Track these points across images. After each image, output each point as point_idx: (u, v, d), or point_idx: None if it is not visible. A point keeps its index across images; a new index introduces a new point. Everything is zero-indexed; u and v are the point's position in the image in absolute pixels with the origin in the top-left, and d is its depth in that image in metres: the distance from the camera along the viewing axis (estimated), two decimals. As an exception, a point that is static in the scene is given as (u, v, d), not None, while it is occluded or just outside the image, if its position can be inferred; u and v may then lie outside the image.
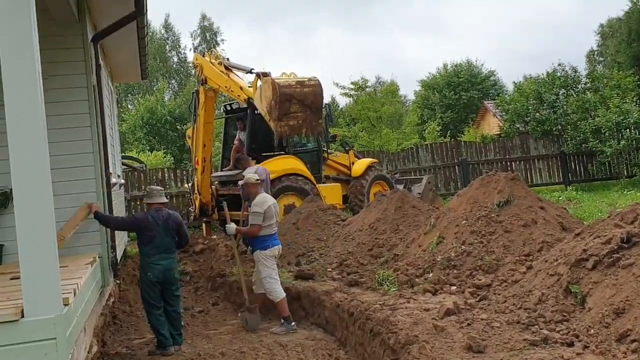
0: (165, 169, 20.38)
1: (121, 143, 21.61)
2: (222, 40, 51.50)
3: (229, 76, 13.17)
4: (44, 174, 4.15)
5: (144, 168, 19.61)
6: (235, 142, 14.28)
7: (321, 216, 11.26)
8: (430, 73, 45.22)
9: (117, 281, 8.66)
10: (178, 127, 32.41)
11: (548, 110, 22.60)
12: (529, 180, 20.75)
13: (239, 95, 13.13)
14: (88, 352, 5.48)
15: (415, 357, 5.03)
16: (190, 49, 51.04)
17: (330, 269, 8.95)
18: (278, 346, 7.16)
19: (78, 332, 4.82)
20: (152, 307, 7.26)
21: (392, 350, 5.54)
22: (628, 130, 20.32)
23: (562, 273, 5.61)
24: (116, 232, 8.00)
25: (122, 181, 13.09)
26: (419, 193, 14.75)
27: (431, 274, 7.41)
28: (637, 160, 20.50)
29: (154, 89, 41.17)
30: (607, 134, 20.27)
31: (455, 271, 7.31)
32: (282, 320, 7.91)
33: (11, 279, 5.57)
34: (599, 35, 48.85)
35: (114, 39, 8.45)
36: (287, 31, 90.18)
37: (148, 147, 31.48)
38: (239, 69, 13.42)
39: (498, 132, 26.62)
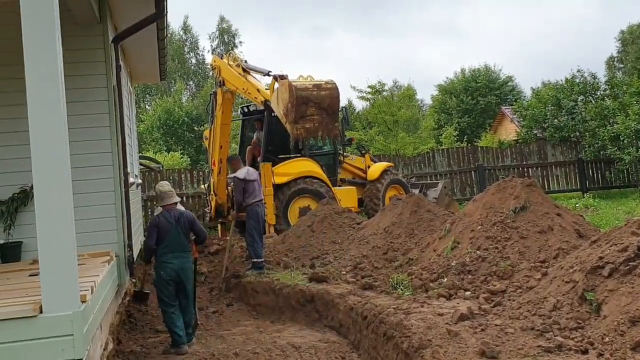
0: (182, 170, 20.50)
1: (139, 143, 21.77)
2: (240, 42, 51.75)
3: (246, 78, 13.24)
4: (64, 172, 4.22)
5: (161, 168, 19.75)
6: (253, 141, 14.35)
7: (336, 219, 11.28)
8: (447, 77, 45.19)
9: (133, 280, 8.74)
10: (195, 128, 32.63)
11: (566, 117, 22.44)
12: (546, 187, 20.62)
13: (256, 98, 13.19)
14: (104, 350, 5.53)
15: (428, 361, 5.03)
16: (209, 51, 51.43)
17: (345, 272, 8.96)
18: (291, 348, 7.17)
19: (94, 329, 4.88)
20: (166, 306, 7.32)
21: (405, 354, 5.54)
22: (647, 138, 20.11)
23: (578, 280, 5.58)
24: (132, 231, 8.08)
25: (140, 181, 13.21)
26: (435, 198, 14.72)
27: (445, 279, 7.40)
28: (656, 169, 20.30)
29: (172, 90, 41.46)
30: (625, 142, 20.06)
31: (469, 276, 7.29)
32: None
33: (30, 275, 5.66)
34: (620, 41, 48.47)
35: (134, 40, 8.54)
36: (304, 34, 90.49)
37: (165, 148, 31.70)
38: (257, 71, 13.49)
39: (515, 138, 26.47)
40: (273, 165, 13.24)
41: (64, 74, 4.34)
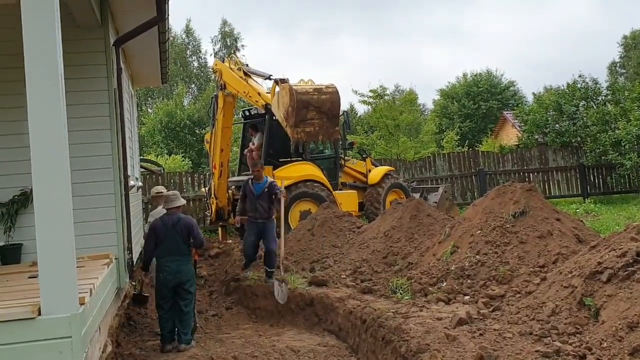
0: (183, 173, 20.51)
1: (140, 146, 21.80)
2: (243, 45, 51.83)
3: (247, 82, 13.27)
4: (63, 175, 4.23)
5: (162, 171, 19.75)
6: (251, 145, 14.36)
7: (336, 223, 11.28)
8: (449, 82, 45.20)
9: (133, 283, 8.74)
10: (197, 131, 32.61)
11: (567, 122, 22.42)
12: (547, 192, 20.59)
13: (257, 101, 13.22)
14: (102, 352, 5.54)
15: (426, 365, 5.04)
16: (211, 54, 51.52)
17: (344, 276, 8.96)
18: (290, 351, 7.17)
19: (93, 331, 4.89)
20: (157, 307, 7.61)
21: (404, 358, 5.54)
22: (649, 143, 20.09)
23: (577, 285, 5.59)
24: (132, 234, 8.10)
25: (140, 184, 13.22)
26: (435, 202, 14.73)
27: (445, 283, 7.41)
28: (658, 174, 20.27)
29: (174, 93, 41.50)
30: (627, 147, 20.03)
31: (468, 281, 7.29)
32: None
33: (29, 277, 5.66)
34: (622, 46, 48.49)
35: (135, 44, 8.56)
36: (307, 38, 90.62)
37: (166, 151, 31.71)
38: (258, 74, 13.51)
39: (516, 143, 26.46)
40: (274, 169, 13.26)
41: (65, 76, 4.35)
